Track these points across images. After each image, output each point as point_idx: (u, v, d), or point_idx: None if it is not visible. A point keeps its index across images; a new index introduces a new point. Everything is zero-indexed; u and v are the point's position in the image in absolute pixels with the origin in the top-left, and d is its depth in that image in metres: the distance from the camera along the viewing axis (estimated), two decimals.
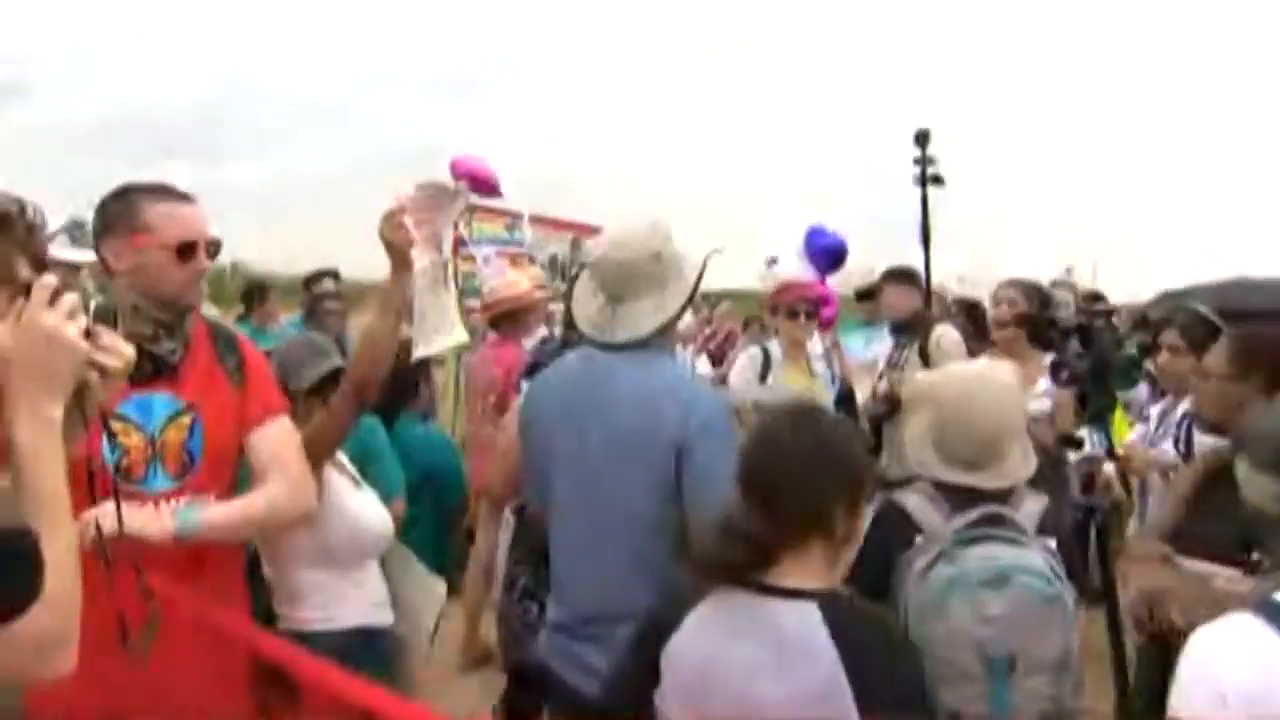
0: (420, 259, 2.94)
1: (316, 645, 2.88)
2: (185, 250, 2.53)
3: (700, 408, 2.67)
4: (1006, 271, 6.92)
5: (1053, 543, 2.48)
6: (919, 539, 2.47)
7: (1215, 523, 2.78)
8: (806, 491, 1.98)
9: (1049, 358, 5.03)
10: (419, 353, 3.15)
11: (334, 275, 7.83)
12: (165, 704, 2.40)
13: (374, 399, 3.03)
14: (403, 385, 4.17)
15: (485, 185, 6.43)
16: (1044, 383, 4.51)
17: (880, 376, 6.63)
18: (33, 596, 1.37)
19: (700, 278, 2.80)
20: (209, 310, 6.03)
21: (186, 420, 2.58)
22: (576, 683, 2.81)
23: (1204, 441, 3.48)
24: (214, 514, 2.56)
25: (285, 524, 2.81)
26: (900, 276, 5.93)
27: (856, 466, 2.05)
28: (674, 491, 2.64)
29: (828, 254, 6.00)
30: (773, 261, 6.27)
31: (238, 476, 2.74)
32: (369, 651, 3.15)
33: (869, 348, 8.47)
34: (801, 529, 1.98)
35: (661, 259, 2.72)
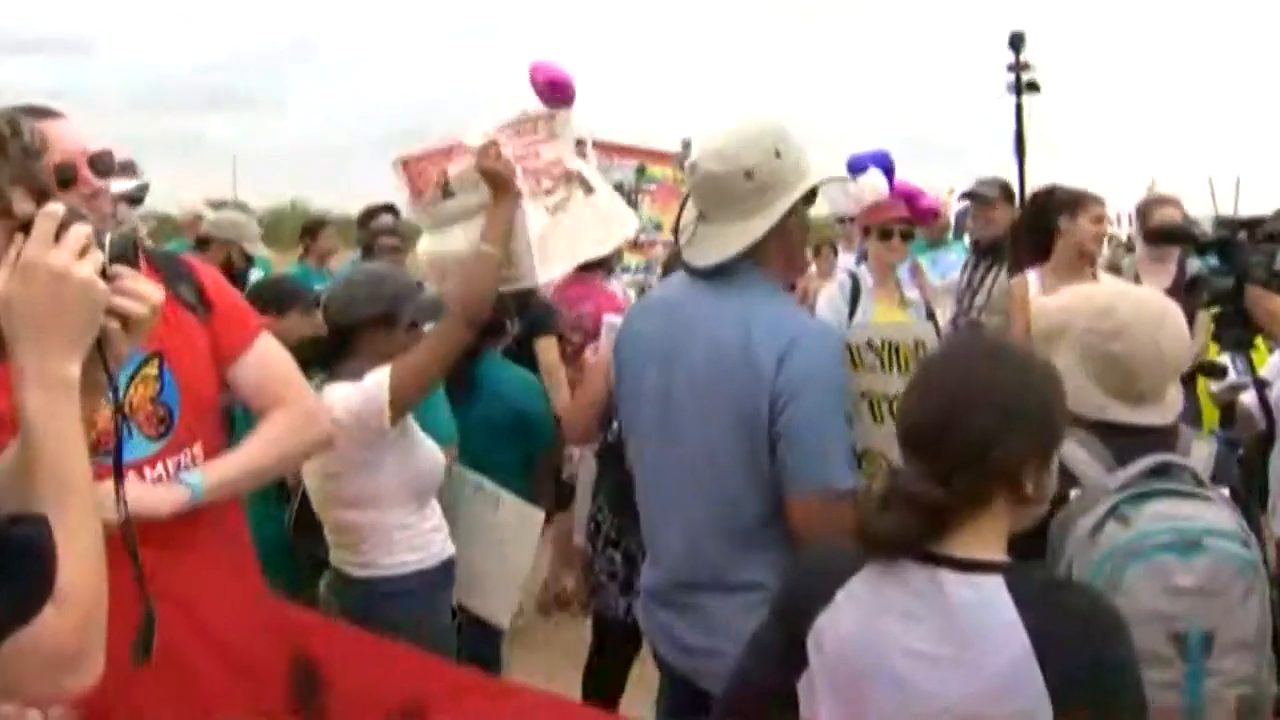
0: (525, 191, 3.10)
1: (410, 585, 2.98)
2: (64, 175, 2.09)
3: (803, 348, 2.34)
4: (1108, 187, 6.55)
5: (1227, 493, 2.12)
6: (1074, 494, 2.08)
7: None
8: (995, 444, 1.62)
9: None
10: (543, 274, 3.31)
11: (392, 210, 7.55)
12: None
13: (485, 318, 3.02)
14: (489, 324, 3.95)
15: (562, 91, 6.12)
16: None
17: (961, 300, 6.29)
18: (41, 598, 1.11)
19: (800, 203, 2.45)
20: (261, 250, 5.87)
21: (152, 370, 2.16)
22: (666, 655, 2.60)
23: None
24: (224, 468, 2.19)
25: (303, 457, 2.52)
26: (993, 190, 5.53)
27: (1053, 412, 1.70)
28: (768, 444, 2.34)
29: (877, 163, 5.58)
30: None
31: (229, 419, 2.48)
32: (450, 581, 3.17)
33: (936, 270, 8.14)
34: (986, 489, 1.64)
35: (755, 176, 2.36)
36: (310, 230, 7.95)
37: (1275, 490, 3.61)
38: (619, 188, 8.50)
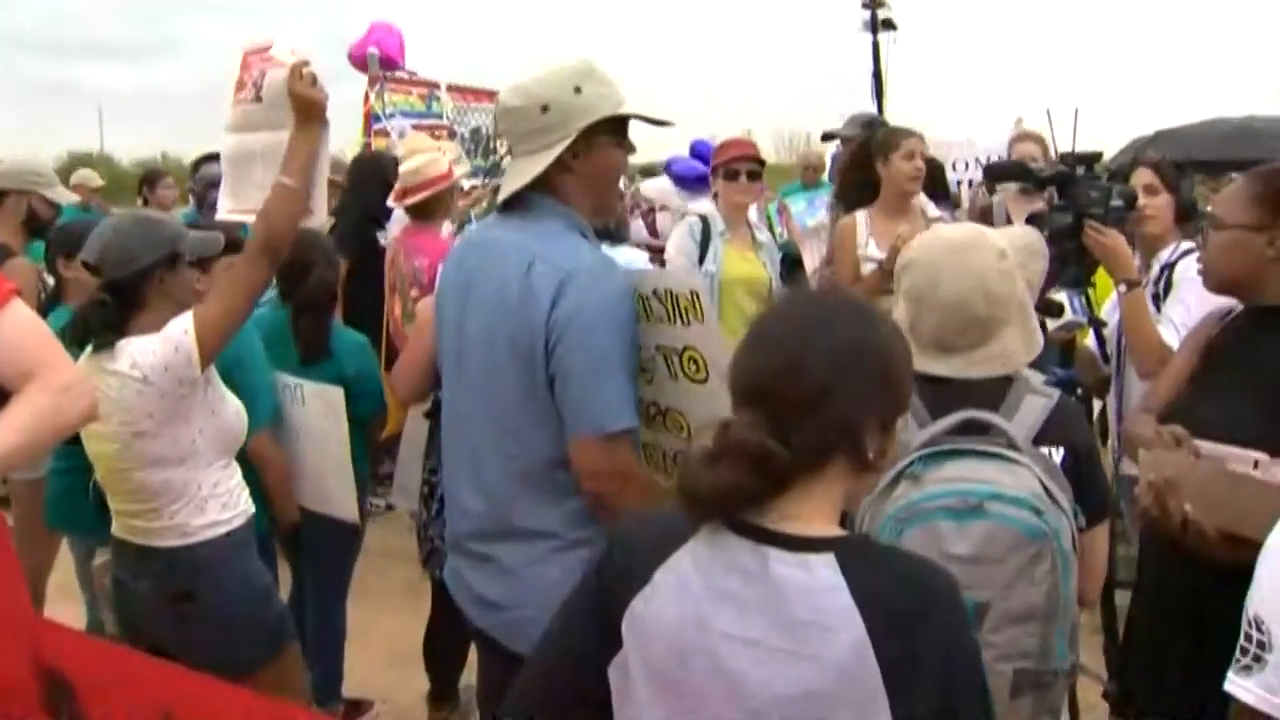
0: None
1: (225, 546, 2.85)
2: None
3: (578, 285, 2.24)
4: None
5: (1059, 455, 2.01)
6: None
7: (1223, 401, 2.37)
8: (833, 395, 1.44)
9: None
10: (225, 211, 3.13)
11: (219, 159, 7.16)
12: None
13: (283, 255, 2.87)
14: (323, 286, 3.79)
15: (389, 60, 5.80)
16: None
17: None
18: None
19: (606, 141, 2.37)
20: (67, 196, 5.44)
21: None
22: (469, 611, 2.50)
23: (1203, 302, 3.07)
24: None
25: (65, 433, 2.25)
26: (853, 129, 5.46)
27: (894, 370, 1.52)
28: (547, 384, 2.27)
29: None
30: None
31: None
32: (254, 536, 3.03)
33: (810, 212, 8.11)
34: (824, 446, 1.46)
35: (551, 110, 2.31)
36: (149, 180, 7.53)
37: (1114, 430, 3.61)
38: (477, 131, 8.28)
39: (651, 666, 1.49)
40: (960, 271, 2.10)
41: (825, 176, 9.06)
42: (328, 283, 3.80)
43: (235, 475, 2.97)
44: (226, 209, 3.23)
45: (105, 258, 2.79)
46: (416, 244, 5.08)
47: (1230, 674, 1.54)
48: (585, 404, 2.23)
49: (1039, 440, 2.01)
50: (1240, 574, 2.17)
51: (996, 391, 2.08)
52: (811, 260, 6.50)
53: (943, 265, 2.12)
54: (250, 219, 2.95)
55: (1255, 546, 2.11)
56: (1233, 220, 2.41)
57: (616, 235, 4.39)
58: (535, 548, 2.34)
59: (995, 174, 4.60)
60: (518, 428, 2.33)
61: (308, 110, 2.87)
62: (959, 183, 7.39)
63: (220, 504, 2.88)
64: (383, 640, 4.67)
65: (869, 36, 8.33)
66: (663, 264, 4.99)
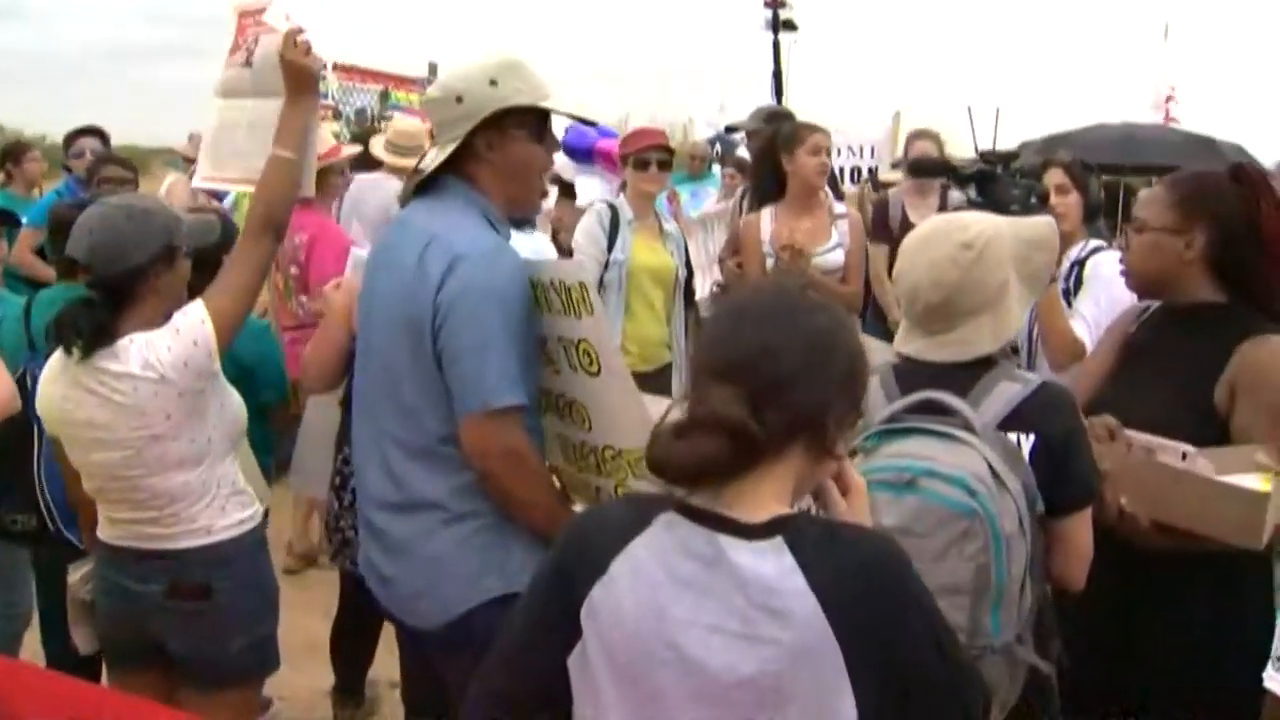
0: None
1: (246, 545, 2.78)
2: None
3: (467, 264, 2.28)
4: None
5: (1029, 441, 2.06)
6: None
7: (1144, 396, 2.47)
8: (804, 383, 1.48)
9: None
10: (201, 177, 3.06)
11: (99, 134, 6.80)
12: None
13: (285, 229, 2.85)
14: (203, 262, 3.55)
15: None
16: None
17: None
18: None
19: (519, 131, 2.43)
20: None
21: None
22: (375, 590, 2.53)
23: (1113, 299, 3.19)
24: None
25: None
26: (756, 122, 5.52)
27: (859, 368, 1.57)
28: (435, 361, 2.32)
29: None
30: None
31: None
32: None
33: (694, 203, 8.18)
34: (791, 430, 1.49)
35: (465, 101, 2.38)
36: (11, 154, 7.09)
37: None
38: (362, 112, 8.10)
39: (611, 656, 1.50)
40: (916, 260, 2.16)
41: (714, 168, 9.15)
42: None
43: (239, 470, 2.85)
44: (204, 175, 3.13)
45: (96, 255, 2.60)
46: (298, 220, 4.95)
47: (1269, 669, 1.60)
48: (470, 381, 2.27)
49: (1008, 425, 2.06)
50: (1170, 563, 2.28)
51: (971, 375, 2.12)
52: (697, 250, 6.54)
53: (908, 253, 2.19)
54: (226, 187, 2.85)
55: (1185, 535, 2.22)
56: (1154, 223, 2.50)
57: (526, 220, 4.34)
58: (423, 521, 2.38)
59: (918, 169, 4.69)
60: (412, 406, 2.36)
61: (300, 80, 2.81)
62: (840, 170, 7.57)
63: (240, 502, 2.78)
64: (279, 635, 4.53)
65: (770, 35, 8.52)
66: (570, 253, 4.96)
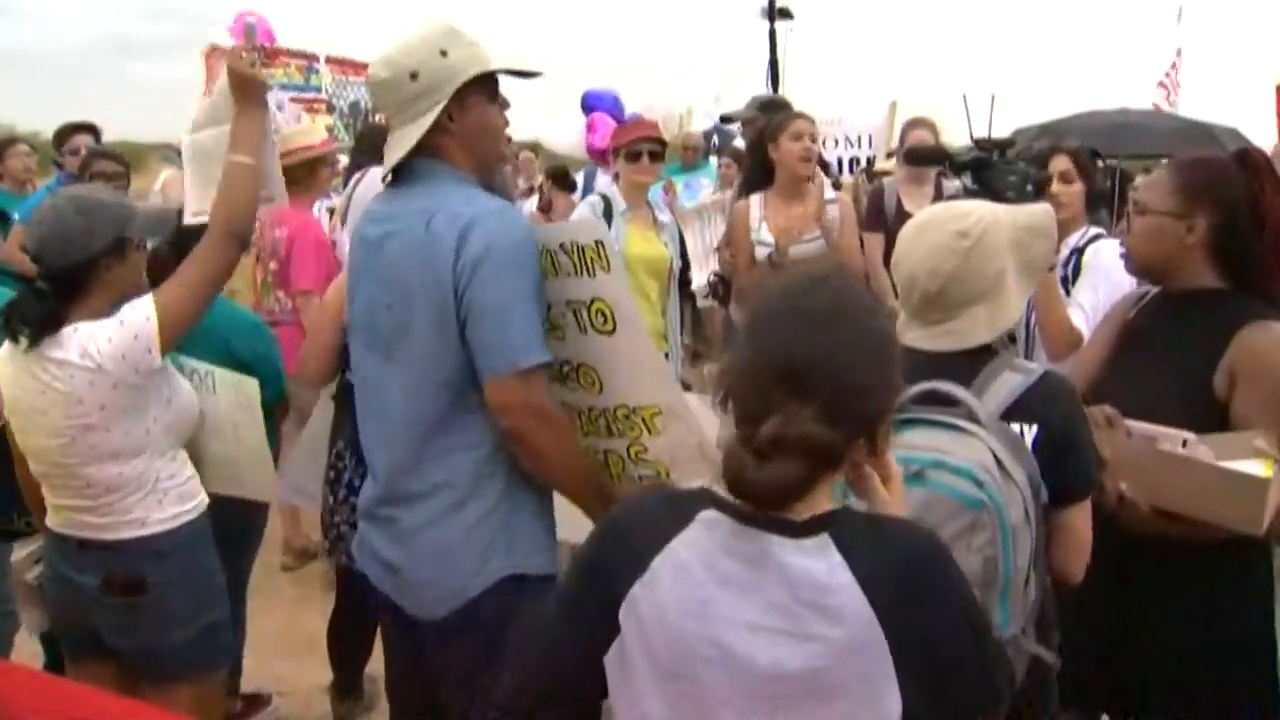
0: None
1: (182, 539, 2.76)
2: None
3: (482, 228, 2.26)
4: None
5: (1032, 431, 2.04)
6: None
7: (1144, 382, 2.45)
8: (875, 393, 1.48)
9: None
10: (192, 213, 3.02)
11: (91, 130, 6.73)
12: None
13: (249, 235, 2.84)
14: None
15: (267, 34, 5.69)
16: None
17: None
18: None
19: (478, 97, 2.40)
20: None
21: None
22: (375, 578, 2.49)
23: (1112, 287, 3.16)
24: None
25: None
26: (750, 110, 5.49)
27: (898, 358, 1.56)
28: (458, 328, 2.29)
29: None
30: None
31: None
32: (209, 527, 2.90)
33: (688, 194, 8.15)
34: (856, 436, 1.48)
35: (421, 77, 2.34)
36: None
37: None
38: (356, 105, 8.06)
39: (653, 654, 1.48)
40: (913, 248, 2.14)
41: (710, 158, 9.13)
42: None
43: (188, 464, 2.85)
44: (194, 211, 3.12)
45: (45, 246, 2.61)
46: (280, 214, 4.93)
47: None
48: (499, 341, 2.25)
49: (1011, 416, 2.03)
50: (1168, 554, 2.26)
51: (972, 365, 2.10)
52: (694, 241, 6.52)
53: (905, 241, 2.17)
54: None
55: (1185, 521, 2.20)
56: (1156, 207, 2.48)
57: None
58: (433, 506, 2.36)
59: (914, 158, 4.66)
60: (426, 381, 2.34)
61: (247, 89, 2.83)
62: (838, 160, 7.54)
63: (178, 495, 2.77)
64: (276, 632, 4.54)
65: (766, 24, 8.48)
66: None
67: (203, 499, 2.85)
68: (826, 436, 1.42)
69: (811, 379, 1.44)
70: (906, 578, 1.43)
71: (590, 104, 7.22)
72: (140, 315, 2.59)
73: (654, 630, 1.48)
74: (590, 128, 6.05)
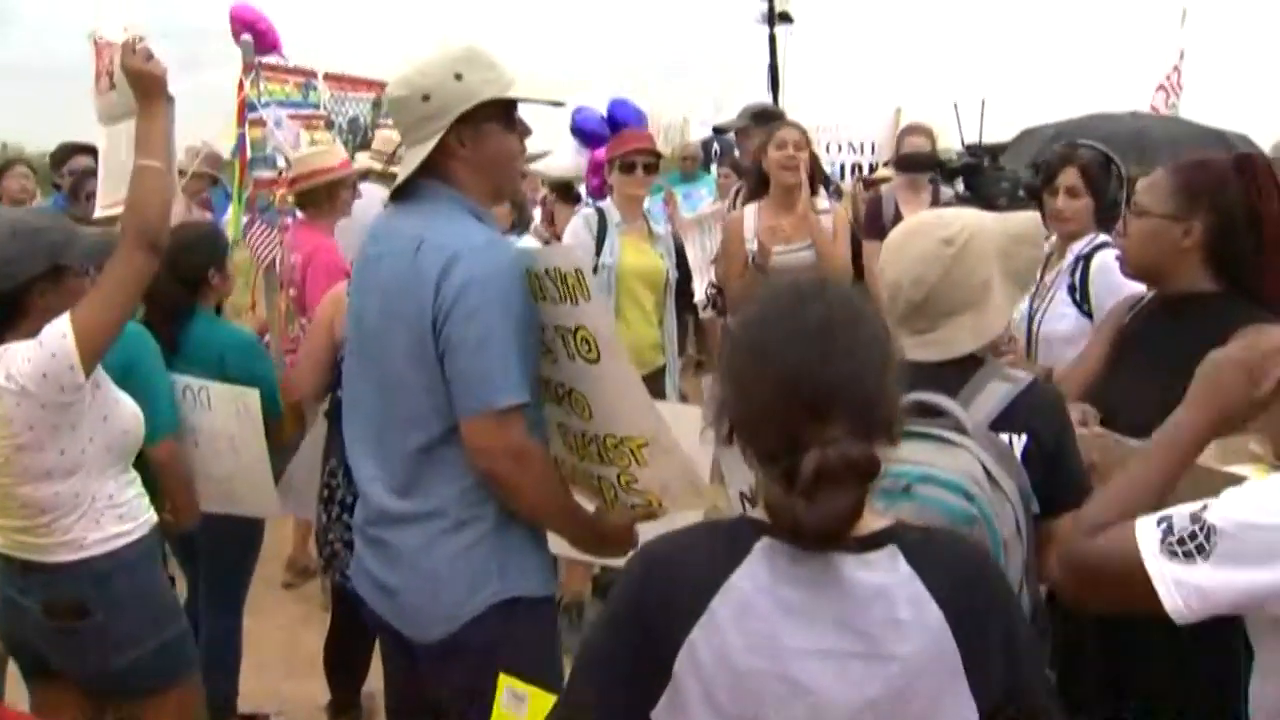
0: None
1: (126, 559, 2.72)
2: None
3: (465, 263, 2.23)
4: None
5: (1021, 441, 2.01)
6: None
7: (1140, 386, 2.42)
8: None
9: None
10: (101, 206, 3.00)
11: (90, 151, 6.70)
12: None
13: (164, 243, 2.67)
14: (192, 279, 3.51)
15: (266, 41, 5.63)
16: None
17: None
18: None
19: (490, 124, 2.37)
20: None
21: None
22: (372, 601, 2.47)
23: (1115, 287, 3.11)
24: None
25: None
26: (763, 119, 5.49)
27: (895, 352, 1.54)
28: (438, 363, 2.27)
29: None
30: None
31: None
32: (159, 545, 2.93)
33: (688, 205, 8.12)
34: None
35: (433, 99, 2.32)
36: None
37: None
38: (354, 121, 8.03)
39: (713, 699, 1.42)
40: (897, 257, 2.13)
41: (708, 168, 9.10)
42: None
43: (134, 484, 2.81)
44: (103, 204, 3.07)
45: None
46: (297, 238, 4.96)
47: None
48: (473, 381, 2.23)
49: (999, 426, 2.02)
50: None
51: (959, 375, 2.07)
52: (694, 251, 6.50)
53: (890, 249, 2.16)
54: (119, 210, 2.79)
55: None
56: (1153, 209, 2.46)
57: (521, 224, 4.30)
58: (425, 530, 2.34)
59: (906, 164, 4.65)
60: (412, 411, 2.32)
61: (147, 86, 2.73)
62: (840, 166, 7.49)
63: (118, 515, 2.73)
64: (276, 650, 4.52)
65: (766, 29, 8.43)
66: None
67: (149, 518, 2.82)
68: (865, 452, 1.39)
69: (833, 401, 1.40)
70: (967, 585, 1.43)
71: (579, 126, 7.11)
72: (57, 334, 2.54)
73: (717, 675, 1.41)
74: (593, 170, 5.97)
